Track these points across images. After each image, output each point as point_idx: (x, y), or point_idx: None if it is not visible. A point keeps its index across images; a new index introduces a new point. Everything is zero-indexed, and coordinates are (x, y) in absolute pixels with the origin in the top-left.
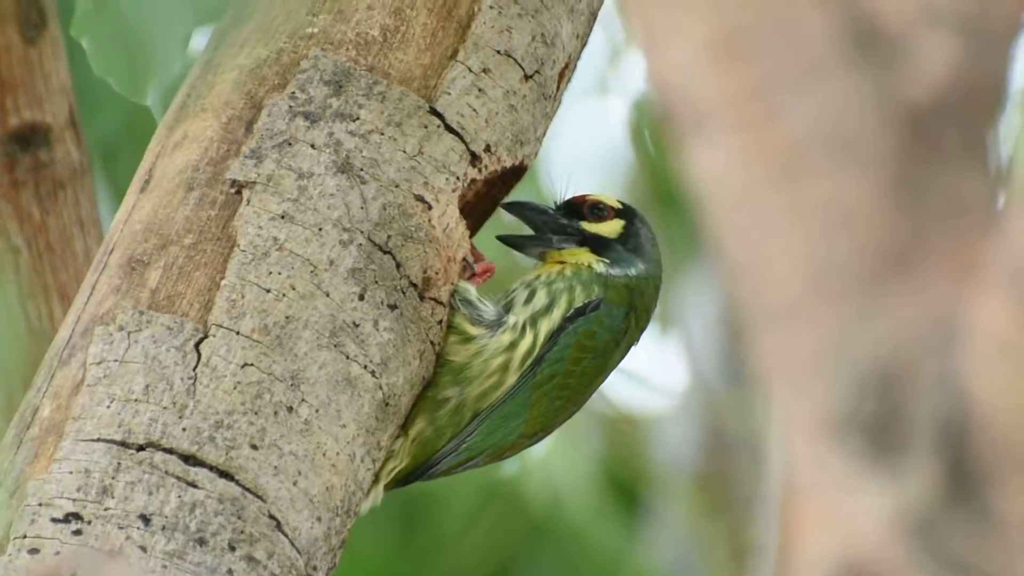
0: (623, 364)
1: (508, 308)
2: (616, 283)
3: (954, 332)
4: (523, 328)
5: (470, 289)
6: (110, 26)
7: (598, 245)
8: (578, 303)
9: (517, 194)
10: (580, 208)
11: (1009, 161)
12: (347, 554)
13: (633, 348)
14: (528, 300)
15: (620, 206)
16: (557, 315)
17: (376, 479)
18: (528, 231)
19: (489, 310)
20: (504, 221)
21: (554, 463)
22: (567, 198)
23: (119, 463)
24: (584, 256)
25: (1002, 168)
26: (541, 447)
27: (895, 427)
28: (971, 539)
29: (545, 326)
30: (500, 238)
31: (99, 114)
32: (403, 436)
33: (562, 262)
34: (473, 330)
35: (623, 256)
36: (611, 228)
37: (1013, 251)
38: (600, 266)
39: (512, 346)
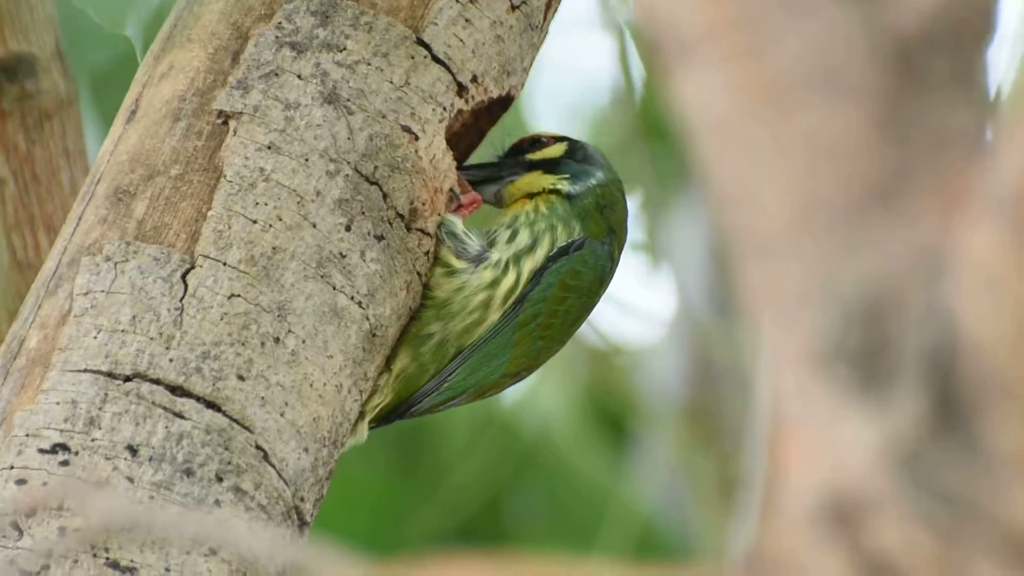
0: (611, 294)
1: (491, 245)
2: (588, 206)
3: (941, 264)
4: (506, 266)
5: (456, 222)
6: None
7: (549, 166)
8: (561, 242)
9: (503, 124)
10: (520, 147)
11: (997, 92)
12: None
13: (618, 276)
14: (511, 239)
15: (557, 135)
16: (540, 254)
17: (361, 414)
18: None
19: (473, 244)
20: (492, 155)
21: (542, 395)
22: (507, 148)
23: (106, 394)
24: (542, 179)
25: (990, 99)
26: (530, 379)
27: (882, 359)
28: (958, 470)
29: (528, 265)
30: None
31: (89, 46)
32: (387, 372)
33: (529, 195)
34: (457, 263)
35: (577, 168)
36: (555, 150)
37: (1001, 182)
38: (564, 183)
39: (494, 283)
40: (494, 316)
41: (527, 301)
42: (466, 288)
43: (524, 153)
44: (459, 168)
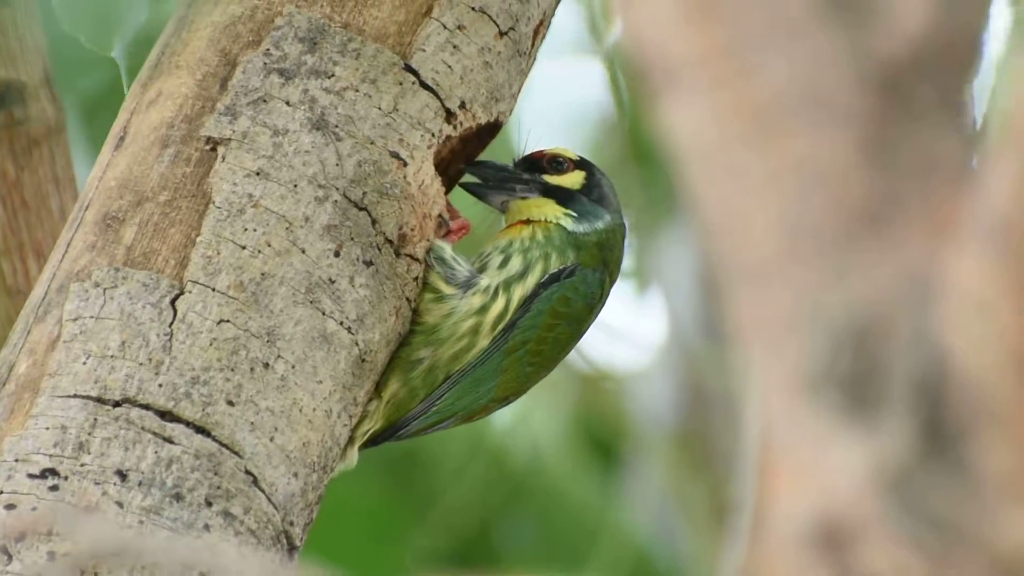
0: (601, 319)
1: (482, 270)
2: (587, 242)
3: (929, 289)
4: (495, 292)
5: (445, 248)
6: None
7: (562, 197)
8: (553, 269)
9: (492, 151)
10: (540, 162)
11: (984, 118)
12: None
13: (608, 302)
14: (502, 265)
15: (578, 158)
16: (531, 281)
17: (351, 440)
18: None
19: (462, 270)
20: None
21: (533, 420)
22: (526, 154)
23: (95, 419)
24: (550, 209)
25: (977, 125)
26: (520, 404)
27: (871, 383)
28: (947, 494)
29: (518, 291)
30: (463, 185)
31: (79, 72)
32: (377, 398)
33: (529, 220)
34: (446, 289)
35: (588, 208)
36: (573, 179)
37: (988, 208)
38: (568, 221)
39: (483, 310)
40: (483, 342)
41: (517, 328)
42: (455, 314)
43: (542, 172)
44: (473, 164)
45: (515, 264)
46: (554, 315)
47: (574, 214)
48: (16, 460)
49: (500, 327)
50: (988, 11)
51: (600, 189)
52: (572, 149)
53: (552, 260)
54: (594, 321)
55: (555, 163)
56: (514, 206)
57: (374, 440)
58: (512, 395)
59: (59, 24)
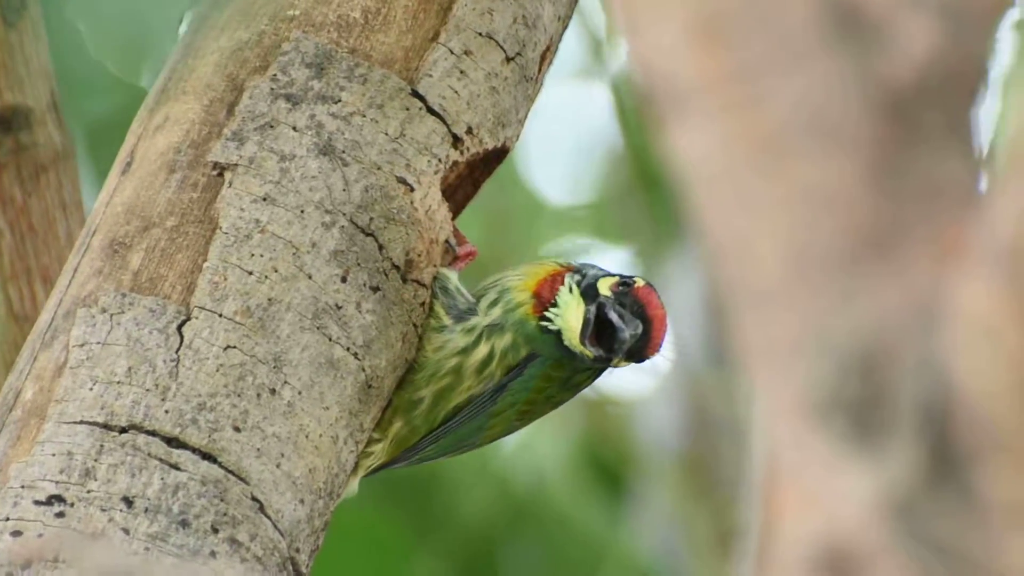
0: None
1: (478, 299)
2: (552, 354)
3: (936, 315)
4: (479, 337)
5: (450, 277)
6: (106, 8)
7: (589, 296)
8: (526, 350)
9: (496, 177)
10: (625, 285)
11: (990, 144)
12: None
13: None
14: (492, 306)
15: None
16: (508, 339)
17: (353, 470)
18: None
19: (462, 301)
20: (488, 206)
21: (538, 445)
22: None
23: (102, 445)
24: (572, 313)
25: (984, 151)
26: (526, 430)
27: (877, 409)
28: (953, 521)
29: (500, 344)
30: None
31: (92, 96)
32: (382, 439)
33: (546, 303)
34: (445, 319)
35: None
36: (607, 290)
37: (995, 235)
38: (572, 344)
39: (465, 351)
40: (468, 382)
41: (507, 391)
42: (444, 349)
43: (617, 288)
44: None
45: (496, 313)
46: (547, 379)
47: (586, 354)
48: (22, 487)
49: (484, 375)
50: (994, 36)
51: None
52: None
53: (520, 341)
54: (588, 385)
55: (624, 286)
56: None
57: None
58: (497, 440)
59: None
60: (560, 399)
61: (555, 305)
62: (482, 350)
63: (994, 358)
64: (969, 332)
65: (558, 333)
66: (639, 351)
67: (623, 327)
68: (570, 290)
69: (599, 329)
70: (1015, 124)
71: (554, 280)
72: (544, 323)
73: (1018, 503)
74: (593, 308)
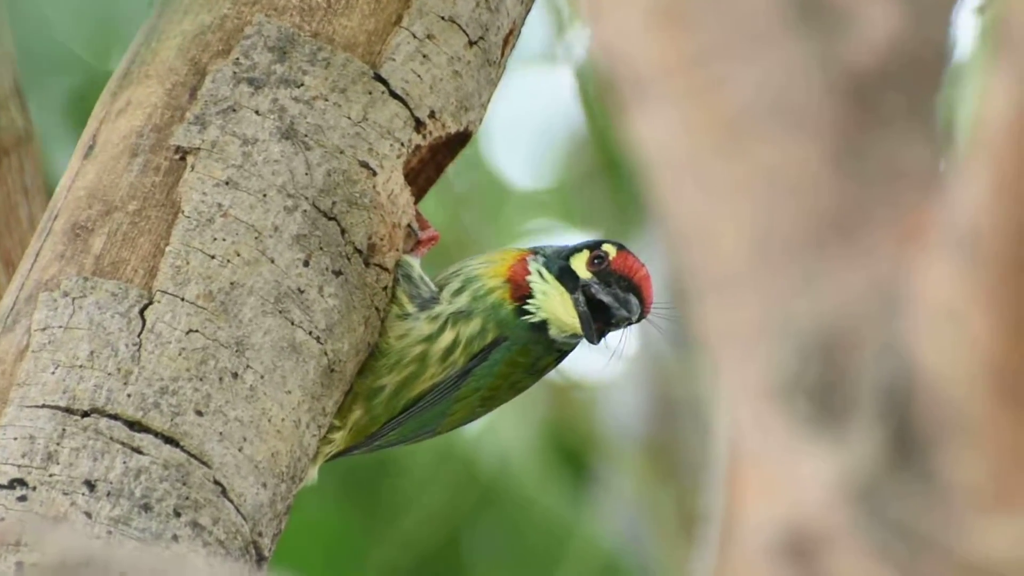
0: None
1: (441, 288)
2: (531, 338)
3: (898, 298)
4: (444, 324)
5: (413, 265)
6: None
7: (569, 283)
8: (495, 333)
9: (459, 161)
10: (601, 255)
11: (952, 127)
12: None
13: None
14: (456, 293)
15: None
16: (476, 326)
17: (312, 459)
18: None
19: (425, 289)
20: (451, 190)
21: (502, 429)
22: (623, 272)
23: (64, 429)
24: (558, 312)
25: (945, 135)
26: (489, 414)
27: (839, 393)
28: (915, 504)
29: (466, 331)
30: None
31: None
32: (342, 427)
33: (523, 287)
34: (408, 307)
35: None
36: (584, 271)
37: (957, 217)
38: (553, 331)
39: (430, 338)
40: (432, 370)
41: (471, 376)
42: (407, 337)
43: (593, 265)
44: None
45: (462, 301)
46: (512, 364)
47: (578, 337)
48: None
49: (448, 362)
50: (955, 20)
51: (589, 317)
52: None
53: (491, 326)
54: (553, 368)
55: (600, 259)
56: (535, 271)
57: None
58: (459, 426)
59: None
60: (524, 385)
61: (532, 296)
62: (447, 337)
63: (956, 341)
64: (931, 315)
65: (541, 323)
66: (639, 317)
67: (620, 308)
68: (541, 275)
69: (594, 312)
70: (977, 108)
71: (521, 263)
72: (526, 316)
73: (979, 485)
74: (581, 297)
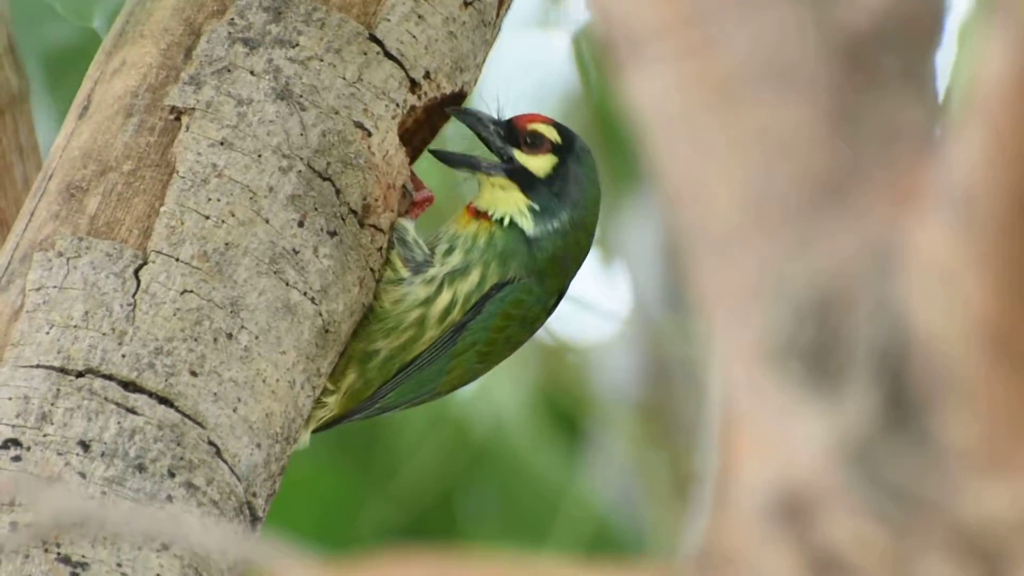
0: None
1: (432, 250)
2: (541, 257)
3: (893, 260)
4: (440, 285)
5: (408, 228)
6: None
7: (525, 183)
8: (494, 279)
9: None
10: (519, 131)
11: (947, 88)
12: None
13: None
14: (447, 254)
15: (559, 139)
16: (474, 279)
17: (305, 422)
18: (461, 149)
19: (419, 253)
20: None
21: (495, 391)
22: (511, 116)
23: (58, 389)
24: (511, 201)
25: (940, 96)
26: (482, 376)
27: (833, 355)
28: (909, 466)
29: (463, 288)
30: (432, 151)
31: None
32: (335, 390)
33: (479, 213)
34: (403, 271)
35: (548, 202)
36: (541, 164)
37: (952, 178)
38: (527, 220)
39: (427, 301)
40: (430, 333)
41: (467, 330)
42: (404, 301)
43: (516, 143)
44: (440, 152)
45: (456, 258)
46: (506, 317)
47: (536, 207)
48: None
49: (447, 322)
50: None
51: (564, 182)
52: (561, 123)
53: (491, 268)
54: (547, 320)
55: (533, 139)
56: (479, 180)
57: (322, 426)
58: (459, 387)
59: None
60: (519, 339)
61: (486, 211)
62: (444, 298)
63: (950, 303)
64: (926, 277)
65: (512, 223)
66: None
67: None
68: (481, 186)
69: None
70: (973, 69)
71: (469, 206)
72: (497, 223)
73: (974, 447)
74: (502, 163)
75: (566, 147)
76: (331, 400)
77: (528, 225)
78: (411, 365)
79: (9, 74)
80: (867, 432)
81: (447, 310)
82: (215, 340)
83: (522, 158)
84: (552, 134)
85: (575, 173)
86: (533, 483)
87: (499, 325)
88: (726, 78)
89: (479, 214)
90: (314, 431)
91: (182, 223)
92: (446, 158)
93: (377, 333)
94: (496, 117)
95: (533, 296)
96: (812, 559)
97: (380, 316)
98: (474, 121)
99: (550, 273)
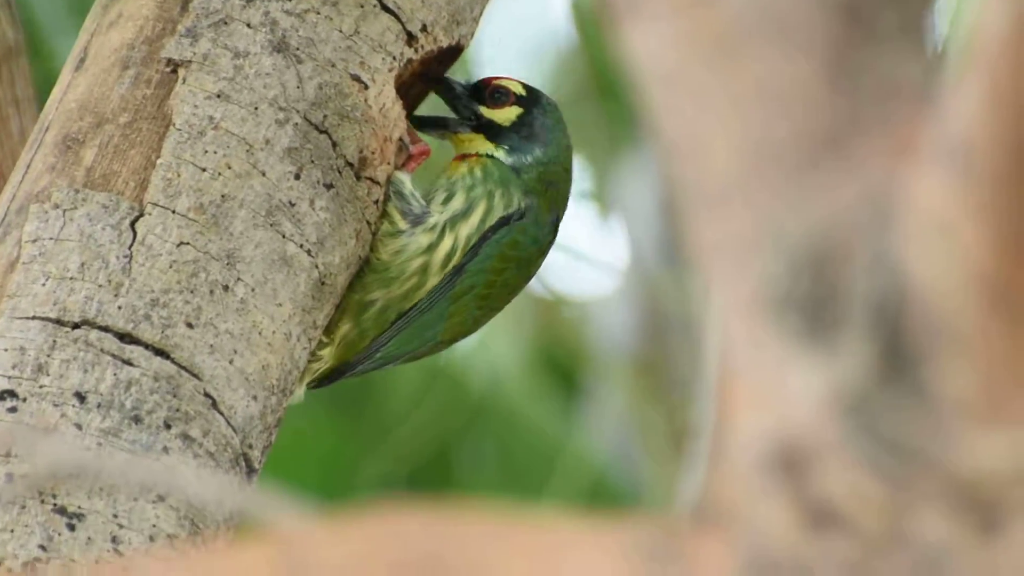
0: (562, 244)
1: (429, 204)
2: (528, 178)
3: (890, 212)
4: (442, 230)
5: (404, 181)
6: None
7: (492, 132)
8: (499, 211)
9: (452, 74)
10: (483, 91)
11: (945, 41)
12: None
13: (570, 228)
14: (446, 201)
15: (523, 92)
16: (475, 220)
17: (299, 377)
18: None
19: (417, 205)
20: (441, 105)
21: (492, 346)
22: (478, 79)
23: (54, 341)
24: (481, 143)
25: (938, 49)
26: (480, 331)
27: (830, 307)
28: (906, 417)
29: (464, 231)
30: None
31: None
32: (329, 340)
33: (465, 156)
34: (400, 223)
35: (518, 143)
36: (506, 115)
37: (950, 130)
38: (501, 152)
39: (430, 248)
40: (433, 280)
41: (465, 272)
42: (404, 252)
43: (482, 102)
44: (413, 117)
45: (458, 202)
46: (503, 259)
47: (505, 147)
48: None
49: (449, 267)
50: None
51: (531, 128)
52: (528, 79)
53: (496, 199)
54: (543, 263)
55: (496, 95)
56: (453, 139)
57: (319, 381)
58: (460, 337)
59: None
60: (516, 284)
61: (473, 154)
62: (446, 243)
63: (948, 254)
64: (923, 228)
65: (496, 160)
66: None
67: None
68: (454, 145)
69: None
70: (971, 20)
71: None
72: (486, 156)
73: (971, 399)
74: (470, 121)
75: (531, 100)
76: (326, 352)
77: (504, 157)
78: (412, 310)
79: (5, 27)
80: (864, 384)
81: (449, 255)
82: (211, 292)
83: (488, 112)
84: (517, 88)
85: (541, 121)
86: (530, 437)
87: (497, 267)
88: (724, 32)
89: (464, 156)
90: (316, 386)
91: (178, 175)
92: (419, 122)
93: (374, 284)
94: (464, 82)
95: (529, 237)
96: (808, 511)
97: (377, 268)
98: (444, 89)
99: (544, 195)
